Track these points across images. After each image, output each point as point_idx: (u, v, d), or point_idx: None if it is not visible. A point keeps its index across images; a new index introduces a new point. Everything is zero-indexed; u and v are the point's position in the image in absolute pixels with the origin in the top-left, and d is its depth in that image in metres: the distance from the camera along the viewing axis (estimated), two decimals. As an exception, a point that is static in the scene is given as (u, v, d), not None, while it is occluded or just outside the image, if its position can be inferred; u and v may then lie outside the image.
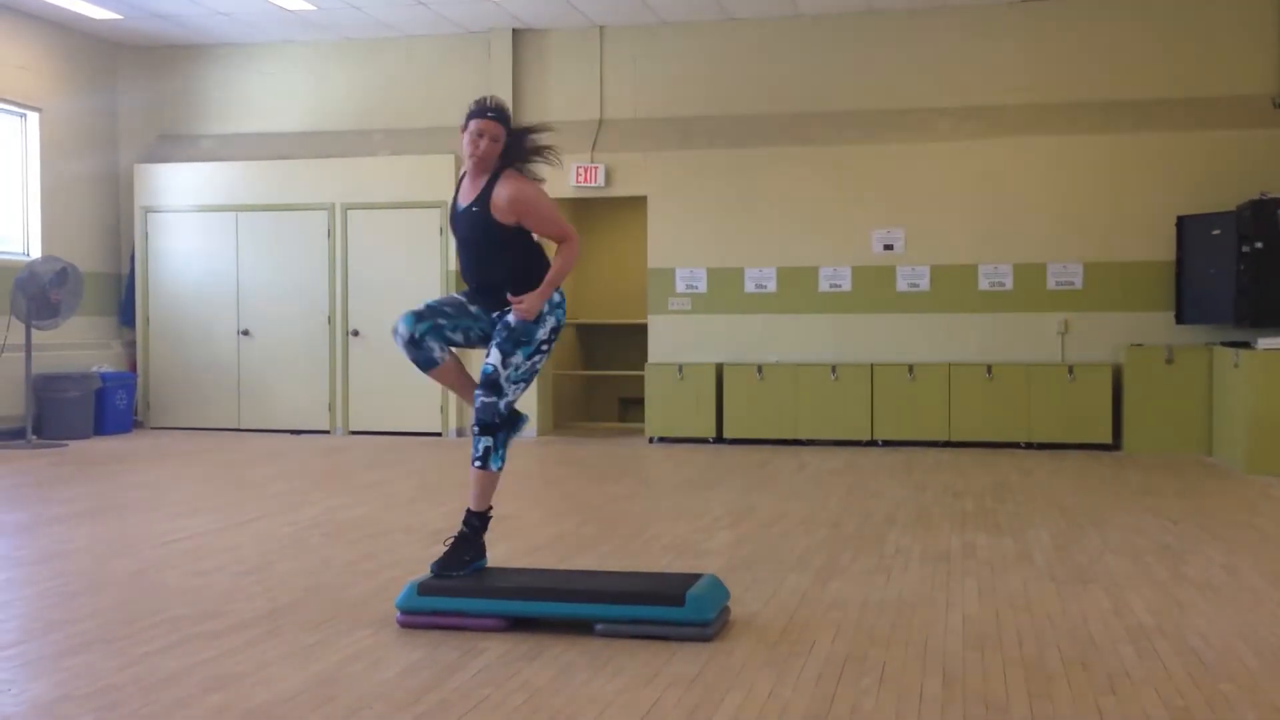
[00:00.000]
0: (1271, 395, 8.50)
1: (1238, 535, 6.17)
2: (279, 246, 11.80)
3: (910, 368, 10.43)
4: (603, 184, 11.22)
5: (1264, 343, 8.70)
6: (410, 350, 4.53)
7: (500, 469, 4.51)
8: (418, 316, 4.53)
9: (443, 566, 4.46)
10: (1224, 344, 9.52)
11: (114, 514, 6.92)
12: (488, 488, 4.52)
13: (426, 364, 4.55)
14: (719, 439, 10.73)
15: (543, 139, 4.55)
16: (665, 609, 4.14)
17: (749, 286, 11.03)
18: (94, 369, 11.39)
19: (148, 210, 12.05)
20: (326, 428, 11.67)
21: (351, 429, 11.63)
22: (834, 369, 10.55)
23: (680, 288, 11.16)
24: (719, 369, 10.82)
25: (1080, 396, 10.11)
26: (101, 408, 11.27)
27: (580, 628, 4.21)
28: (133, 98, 12.36)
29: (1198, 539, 6.04)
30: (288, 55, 12.08)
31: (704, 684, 3.67)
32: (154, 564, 5.48)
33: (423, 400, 11.46)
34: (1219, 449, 9.39)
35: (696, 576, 4.40)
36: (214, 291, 11.90)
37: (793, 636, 4.21)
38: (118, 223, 12.34)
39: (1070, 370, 10.17)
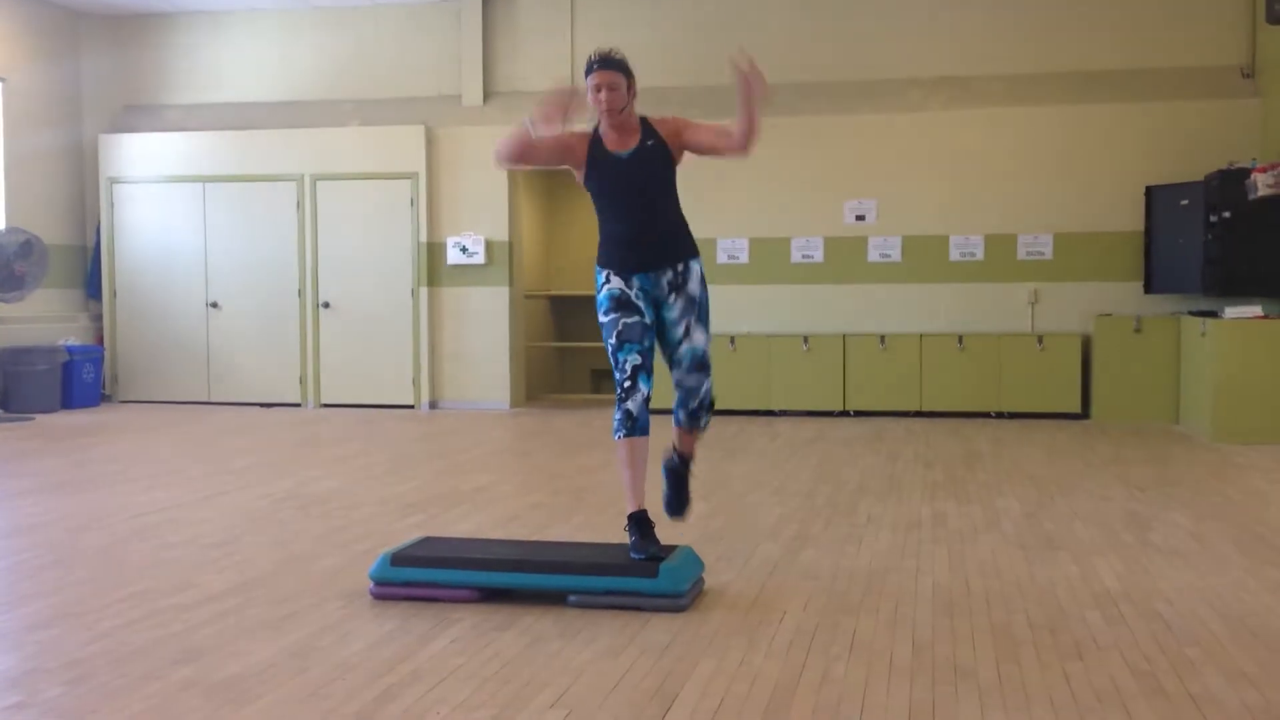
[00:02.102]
0: (1238, 364, 8.59)
1: (1204, 502, 6.24)
2: (247, 218, 11.69)
3: (882, 338, 10.47)
4: (574, 154, 11.14)
5: (1231, 312, 8.78)
6: (634, 425, 4.38)
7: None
8: (647, 372, 4.40)
9: (673, 506, 4.69)
10: (1192, 313, 9.60)
11: (82, 488, 6.87)
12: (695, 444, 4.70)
13: (638, 431, 4.40)
14: (691, 410, 10.73)
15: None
16: (639, 580, 4.15)
17: (721, 258, 11.03)
18: (61, 342, 11.29)
19: (113, 181, 11.92)
20: (298, 401, 11.61)
21: (323, 402, 11.58)
22: (806, 339, 10.57)
23: (652, 259, 11.11)
24: (691, 340, 10.80)
25: (1050, 366, 10.18)
26: (69, 381, 11.18)
27: (553, 599, 4.22)
28: (97, 67, 12.19)
29: (1165, 506, 6.11)
30: (255, 24, 11.94)
31: (675, 653, 3.68)
32: (123, 537, 5.44)
33: (395, 373, 11.42)
34: (1186, 417, 9.49)
35: (670, 548, 4.42)
36: (182, 264, 11.79)
37: (764, 605, 4.23)
38: (83, 194, 12.19)
39: (1040, 340, 10.23)
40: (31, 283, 10.49)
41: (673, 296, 4.43)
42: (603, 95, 4.37)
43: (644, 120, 4.52)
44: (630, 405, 4.36)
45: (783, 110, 10.94)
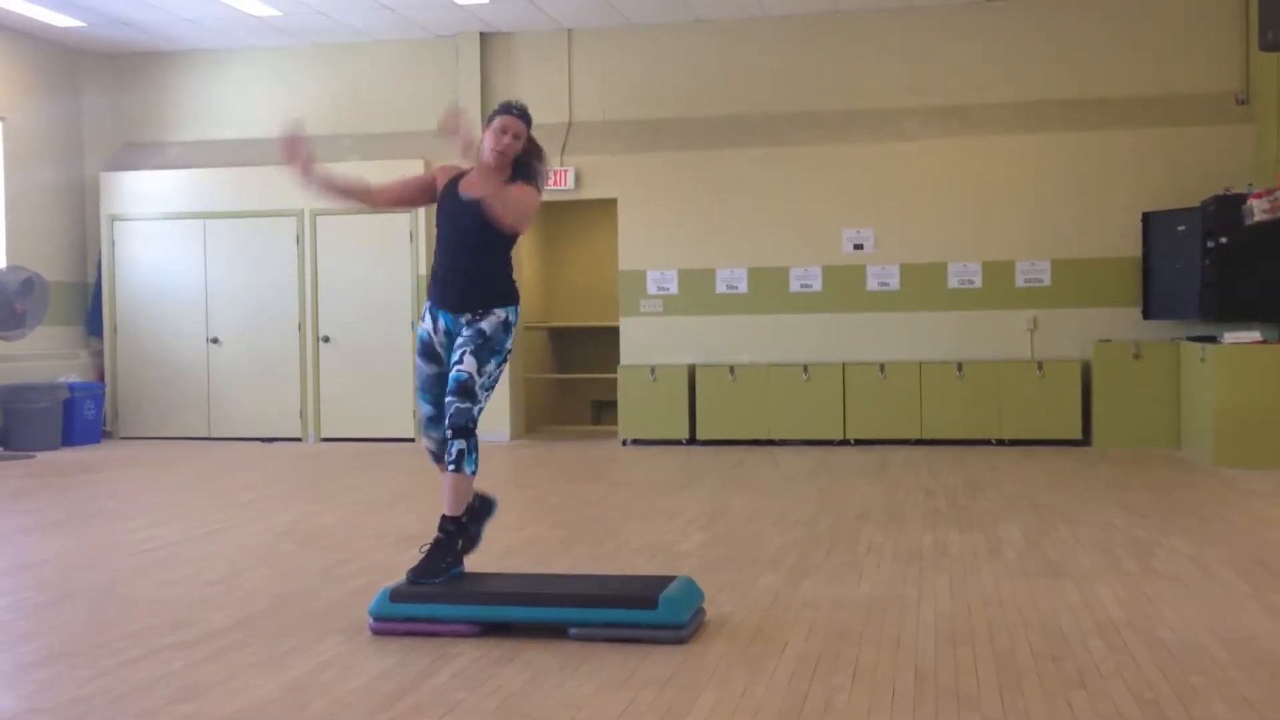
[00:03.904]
0: (1238, 389, 8.59)
1: (1206, 528, 6.23)
2: (247, 254, 11.73)
3: (881, 366, 10.47)
4: (573, 187, 11.21)
5: (1230, 337, 8.79)
6: (435, 458, 4.71)
7: (474, 473, 4.51)
8: (432, 421, 4.67)
9: (420, 574, 4.43)
10: (1190, 339, 9.60)
11: (83, 524, 6.86)
12: (463, 492, 4.51)
13: (438, 460, 4.69)
14: (692, 440, 10.74)
15: (549, 165, 4.75)
16: (638, 612, 4.14)
17: (720, 288, 11.05)
18: (61, 379, 11.29)
19: (114, 218, 11.96)
20: (298, 435, 11.61)
21: (323, 436, 11.57)
22: (806, 369, 10.58)
23: (652, 290, 11.16)
24: (691, 370, 10.83)
25: (1050, 393, 10.18)
26: (70, 418, 11.17)
27: (554, 632, 4.20)
28: (97, 105, 12.26)
29: (1167, 532, 6.09)
30: (254, 61, 12.02)
31: (677, 685, 3.67)
32: (123, 574, 5.43)
33: (395, 406, 11.42)
34: (1187, 443, 9.48)
35: (670, 579, 4.40)
36: (182, 300, 11.82)
37: (766, 636, 4.21)
38: (84, 231, 12.23)
39: (1039, 367, 10.24)
40: (32, 320, 10.51)
41: (465, 329, 4.53)
42: (505, 140, 4.54)
43: (511, 178, 4.58)
44: (428, 444, 4.75)
45: (780, 140, 11.00)
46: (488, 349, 4.48)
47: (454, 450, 4.44)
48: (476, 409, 4.46)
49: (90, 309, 12.17)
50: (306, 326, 11.61)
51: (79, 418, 11.28)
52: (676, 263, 11.11)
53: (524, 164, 4.62)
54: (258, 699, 3.59)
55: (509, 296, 4.61)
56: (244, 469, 9.49)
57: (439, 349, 4.62)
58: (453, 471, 4.46)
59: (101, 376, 11.97)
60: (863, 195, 10.81)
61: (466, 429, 4.44)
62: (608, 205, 11.40)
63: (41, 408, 10.86)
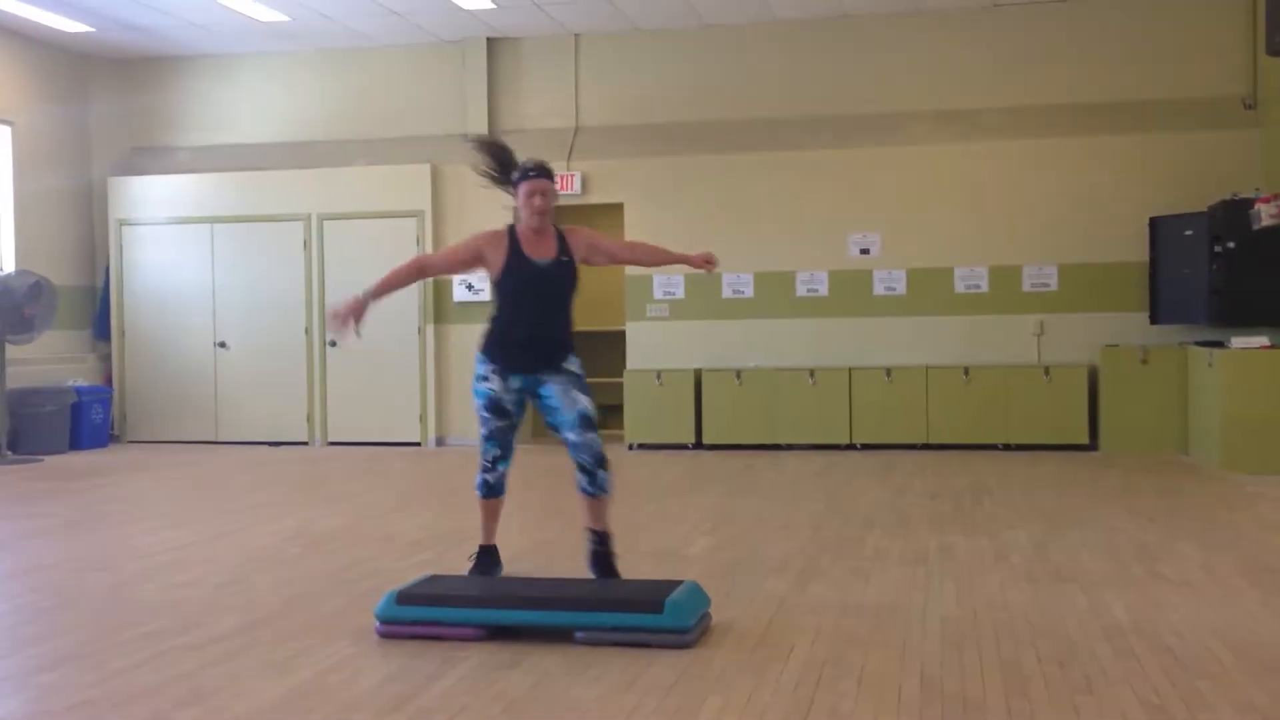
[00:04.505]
0: (1246, 394, 8.57)
1: (1214, 533, 6.21)
2: (255, 258, 11.76)
3: (888, 371, 10.46)
4: (579, 191, 11.23)
5: (1237, 342, 8.77)
6: (491, 490, 5.14)
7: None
8: (505, 460, 5.09)
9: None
10: (1198, 344, 9.58)
11: (90, 529, 6.88)
12: (610, 509, 5.05)
13: (494, 494, 5.16)
14: (698, 445, 10.74)
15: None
16: (644, 616, 4.14)
17: (726, 292, 11.05)
18: (69, 383, 11.32)
19: (122, 223, 12.00)
20: (305, 439, 11.63)
21: (330, 440, 11.59)
22: (812, 373, 10.57)
23: (658, 294, 11.17)
24: (697, 375, 10.83)
25: (1057, 397, 10.16)
26: (77, 422, 11.20)
27: (560, 636, 4.20)
28: (106, 110, 12.29)
29: (1174, 537, 6.08)
30: (262, 66, 12.05)
31: (683, 690, 3.67)
32: (130, 578, 5.44)
33: (402, 410, 11.44)
34: (1195, 448, 9.46)
35: (676, 583, 4.41)
36: (190, 304, 11.84)
37: (771, 641, 4.21)
38: (92, 236, 12.27)
39: (1046, 371, 10.22)
40: (41, 324, 10.54)
41: (549, 380, 4.87)
42: (537, 201, 4.77)
43: (559, 231, 4.87)
44: (489, 478, 5.10)
45: (787, 145, 11.00)
46: (584, 382, 4.94)
47: (602, 477, 4.87)
48: None
49: (98, 313, 12.20)
50: (313, 331, 11.63)
51: (87, 422, 11.30)
52: (682, 267, 11.09)
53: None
54: (264, 702, 3.59)
55: (572, 348, 5.02)
56: (251, 473, 9.51)
57: (509, 406, 4.93)
58: (606, 495, 4.91)
59: (109, 380, 12.00)
60: (869, 200, 10.81)
61: (607, 457, 4.92)
62: (614, 210, 11.40)
63: (49, 412, 10.88)
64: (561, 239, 4.89)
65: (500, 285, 4.90)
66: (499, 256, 4.86)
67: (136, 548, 6.19)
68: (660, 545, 6.09)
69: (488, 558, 5.26)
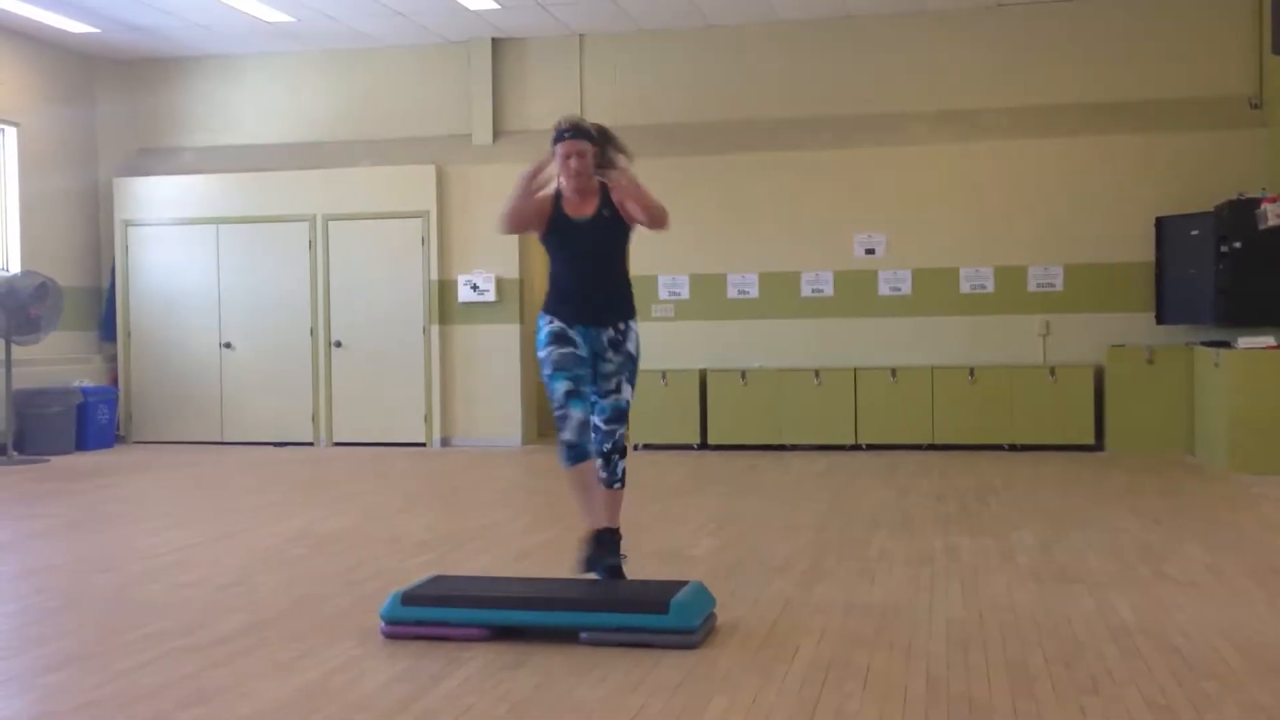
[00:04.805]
0: (1252, 394, 8.55)
1: (1220, 533, 6.20)
2: (260, 258, 11.76)
3: (893, 371, 10.45)
4: (584, 192, 11.20)
5: (1244, 342, 8.75)
6: (574, 452, 4.67)
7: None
8: (579, 397, 4.65)
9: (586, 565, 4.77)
10: (1204, 344, 9.56)
11: (96, 529, 6.88)
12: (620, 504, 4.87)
13: (581, 457, 4.69)
14: (703, 445, 10.73)
15: (622, 158, 4.83)
16: (650, 617, 4.13)
17: (731, 292, 11.04)
18: (75, 384, 11.33)
19: (128, 224, 12.01)
20: (310, 440, 11.63)
21: (335, 441, 11.59)
22: (817, 373, 10.56)
23: (663, 294, 11.16)
24: (702, 375, 10.83)
25: (1062, 398, 10.14)
26: (83, 423, 11.21)
27: (565, 636, 4.20)
28: (111, 111, 12.31)
29: (1180, 538, 6.07)
30: (267, 67, 12.06)
31: (688, 690, 3.66)
32: (136, 578, 5.45)
33: (407, 411, 11.44)
34: (1201, 448, 9.44)
35: (681, 584, 4.40)
36: (195, 304, 11.86)
37: (777, 642, 4.20)
38: (97, 237, 12.28)
39: (1052, 372, 10.21)
40: (47, 325, 10.55)
41: (611, 352, 4.75)
42: (572, 163, 4.69)
43: (604, 186, 4.78)
44: (568, 435, 4.67)
45: (791, 145, 10.99)
46: (634, 371, 4.80)
47: (621, 469, 4.76)
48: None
49: (104, 314, 12.21)
50: (319, 331, 11.64)
51: (93, 422, 11.32)
52: (688, 267, 11.11)
53: (607, 163, 4.77)
54: (269, 703, 3.59)
55: (634, 308, 4.86)
56: (256, 473, 9.52)
57: (574, 337, 4.70)
58: (620, 488, 4.77)
59: (115, 381, 12.01)
60: (874, 200, 10.80)
61: (625, 450, 4.78)
62: (619, 210, 11.39)
63: (55, 412, 10.90)
64: (605, 194, 4.76)
65: (545, 243, 4.82)
66: (545, 215, 4.79)
67: (141, 548, 6.20)
68: (665, 545, 6.09)
69: (600, 544, 4.71)
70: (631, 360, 4.78)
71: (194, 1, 10.32)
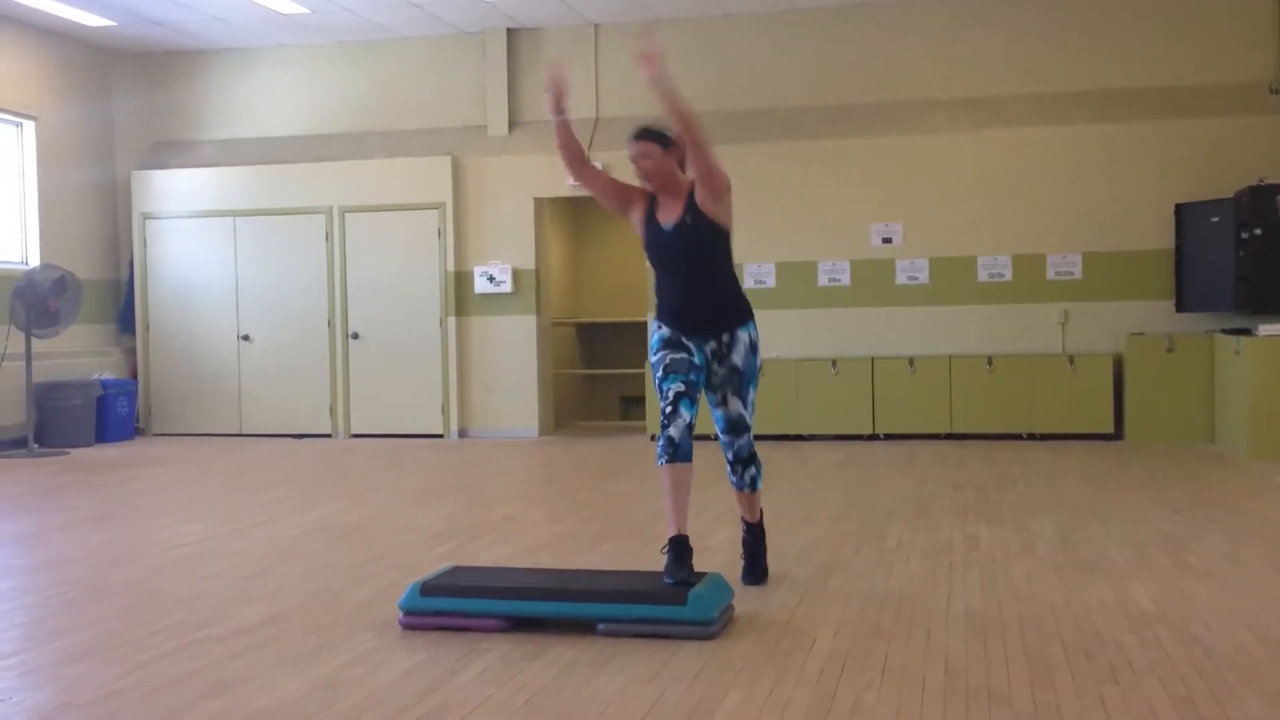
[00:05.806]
0: (1273, 382, 8.49)
1: (1241, 522, 6.16)
2: (278, 251, 11.80)
3: (910, 361, 10.42)
4: (600, 182, 11.19)
5: (1265, 329, 8.69)
6: (672, 449, 4.53)
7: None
8: (690, 399, 4.53)
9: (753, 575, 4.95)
10: (1225, 331, 9.50)
11: (116, 521, 6.92)
12: (759, 503, 5.05)
13: (677, 457, 4.55)
14: (721, 435, 10.70)
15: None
16: (667, 608, 4.13)
17: (747, 282, 11.01)
18: (94, 376, 11.40)
19: (146, 217, 12.06)
20: (328, 431, 11.67)
21: (353, 432, 11.63)
22: (834, 363, 10.54)
23: (679, 285, 11.13)
24: (719, 365, 10.79)
25: (1081, 387, 10.09)
26: (103, 415, 11.27)
27: (583, 627, 4.20)
28: (129, 104, 12.35)
29: (1200, 527, 6.03)
30: (283, 60, 12.08)
31: (705, 681, 3.66)
32: (155, 571, 5.47)
33: (424, 402, 11.46)
34: (1221, 436, 9.38)
35: (700, 575, 4.40)
36: (213, 297, 11.90)
37: (794, 632, 4.20)
38: (116, 230, 12.34)
39: (1071, 360, 10.16)
40: (66, 318, 10.61)
41: (715, 364, 4.72)
42: (643, 164, 4.61)
43: (690, 192, 4.63)
44: (672, 431, 4.53)
45: (808, 134, 10.95)
46: (747, 383, 4.76)
47: (749, 475, 4.91)
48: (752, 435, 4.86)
49: (123, 307, 12.27)
50: (336, 323, 11.67)
51: (112, 415, 11.38)
52: (704, 258, 11.07)
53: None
54: (287, 695, 3.60)
55: (744, 311, 4.77)
56: (274, 465, 9.55)
57: (686, 343, 4.65)
58: (751, 491, 4.94)
59: (134, 374, 12.07)
60: (891, 189, 10.76)
61: (754, 457, 4.93)
62: (635, 200, 11.38)
63: (75, 405, 10.96)
64: (690, 198, 4.60)
65: (645, 250, 4.74)
66: (639, 217, 4.69)
67: (161, 541, 6.23)
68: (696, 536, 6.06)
69: (679, 552, 4.42)
70: (737, 373, 4.70)
71: (210, -6, 10.36)
